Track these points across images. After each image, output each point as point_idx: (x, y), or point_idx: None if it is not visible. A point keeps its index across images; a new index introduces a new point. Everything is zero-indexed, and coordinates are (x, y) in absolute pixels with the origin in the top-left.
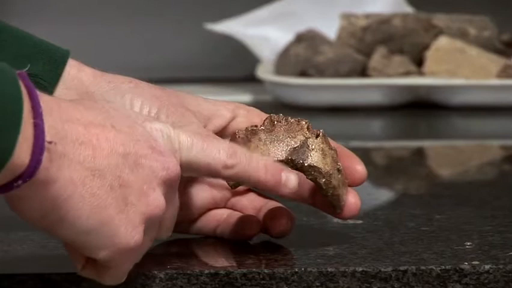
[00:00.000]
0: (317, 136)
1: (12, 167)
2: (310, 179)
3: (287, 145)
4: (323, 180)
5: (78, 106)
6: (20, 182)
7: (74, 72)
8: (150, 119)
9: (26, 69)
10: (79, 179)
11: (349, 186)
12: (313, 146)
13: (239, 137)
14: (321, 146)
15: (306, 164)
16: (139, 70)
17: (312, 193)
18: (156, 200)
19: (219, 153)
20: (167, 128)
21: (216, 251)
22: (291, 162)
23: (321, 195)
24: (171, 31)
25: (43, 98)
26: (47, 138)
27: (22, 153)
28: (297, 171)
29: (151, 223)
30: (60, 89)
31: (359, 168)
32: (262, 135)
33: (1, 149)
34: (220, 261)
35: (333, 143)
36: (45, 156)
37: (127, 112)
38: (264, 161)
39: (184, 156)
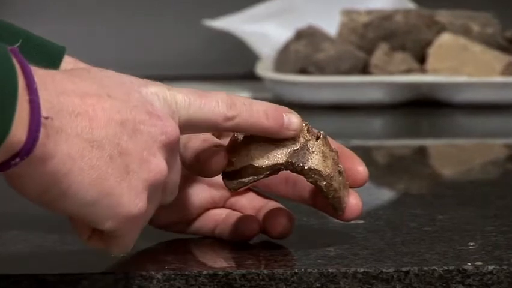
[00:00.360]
0: (317, 138)
1: (9, 145)
2: (310, 182)
3: (287, 148)
4: (324, 183)
5: (72, 77)
6: (17, 159)
7: (70, 68)
8: (145, 82)
9: (18, 44)
10: (77, 152)
11: (350, 187)
12: (313, 149)
13: (238, 139)
14: (322, 148)
15: (306, 167)
16: (137, 67)
17: (313, 195)
18: (158, 166)
19: (218, 106)
20: (163, 90)
21: (215, 252)
22: (291, 165)
23: (322, 198)
24: (169, 28)
25: (37, 73)
26: (43, 113)
27: (19, 130)
28: (297, 174)
29: (154, 189)
30: None
31: (360, 169)
32: (262, 138)
33: None
34: (218, 262)
35: (333, 144)
36: (42, 132)
37: (121, 78)
38: (264, 107)
39: (183, 115)
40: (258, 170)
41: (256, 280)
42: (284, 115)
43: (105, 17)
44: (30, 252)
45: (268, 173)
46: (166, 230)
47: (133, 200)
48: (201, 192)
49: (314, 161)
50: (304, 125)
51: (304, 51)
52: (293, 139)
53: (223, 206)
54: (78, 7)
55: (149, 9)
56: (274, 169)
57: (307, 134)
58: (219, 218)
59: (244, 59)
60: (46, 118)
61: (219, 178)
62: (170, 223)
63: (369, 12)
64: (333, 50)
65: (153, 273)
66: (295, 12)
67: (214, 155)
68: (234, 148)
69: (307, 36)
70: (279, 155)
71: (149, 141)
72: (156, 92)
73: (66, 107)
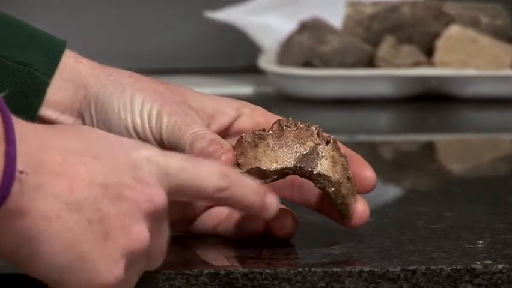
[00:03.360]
0: (327, 143)
1: None
2: (319, 187)
3: (296, 152)
4: (332, 189)
5: (58, 133)
6: None
7: (72, 64)
8: (137, 145)
9: (3, 94)
10: (53, 213)
11: (358, 193)
12: (323, 154)
13: (246, 141)
14: (332, 153)
15: (315, 173)
16: (137, 60)
17: (319, 199)
18: (139, 234)
19: (210, 175)
20: (156, 155)
21: (216, 250)
22: (299, 170)
23: (329, 203)
24: (170, 20)
25: (20, 125)
26: (19, 167)
27: None
28: (305, 179)
29: (134, 257)
30: (56, 81)
31: (368, 174)
32: (271, 141)
33: None
34: (220, 261)
35: (342, 148)
36: (15, 186)
37: (111, 139)
38: (254, 183)
39: (173, 181)
40: (265, 174)
41: (258, 279)
42: (268, 196)
43: (105, 9)
44: None
45: (275, 177)
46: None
47: (108, 267)
48: None
49: (323, 166)
50: (314, 128)
51: (308, 43)
52: (303, 143)
53: None
54: None
55: (150, 1)
56: (282, 173)
57: (317, 138)
58: (221, 215)
59: (246, 52)
60: (21, 172)
61: None
62: (172, 223)
63: (375, 4)
64: (337, 42)
65: (153, 272)
66: (299, 4)
67: None
68: (241, 149)
69: (311, 28)
70: (287, 159)
71: (132, 208)
72: (148, 156)
73: (46, 164)
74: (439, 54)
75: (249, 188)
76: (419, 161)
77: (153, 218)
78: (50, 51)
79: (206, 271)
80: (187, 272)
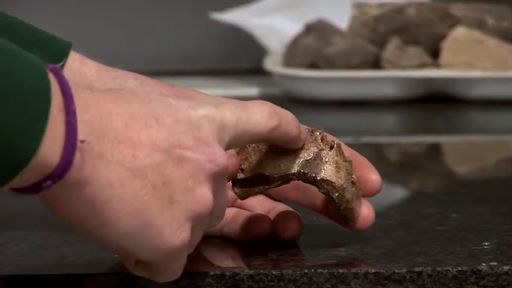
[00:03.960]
0: (331, 148)
1: (39, 166)
2: (323, 193)
3: (300, 157)
4: (336, 194)
5: (118, 99)
6: (49, 182)
7: (77, 66)
8: (193, 104)
9: (61, 64)
10: (117, 180)
11: (363, 196)
12: (326, 159)
13: (249, 146)
14: (335, 158)
15: (318, 178)
16: (143, 61)
17: (324, 203)
18: (203, 196)
19: (262, 118)
20: (212, 112)
21: (222, 251)
22: (303, 176)
23: (334, 207)
24: (175, 21)
25: (80, 95)
26: (81, 137)
27: (51, 152)
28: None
29: (198, 219)
30: None
31: (373, 177)
32: (274, 145)
33: (24, 145)
34: (226, 262)
35: (346, 151)
36: (77, 156)
37: (168, 101)
38: (291, 114)
39: (231, 133)
40: (269, 179)
41: (264, 281)
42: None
43: (111, 10)
44: (31, 253)
45: (279, 182)
46: None
47: (175, 231)
48: None
49: (327, 171)
50: (318, 133)
51: (314, 45)
52: (306, 148)
53: (232, 205)
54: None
55: (156, 2)
56: (286, 179)
57: (321, 144)
58: (227, 217)
59: (252, 53)
60: (83, 142)
61: None
62: None
63: (380, 5)
64: (343, 44)
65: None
66: (305, 5)
67: None
68: (245, 155)
69: (317, 29)
70: (291, 165)
71: (195, 169)
72: (206, 114)
73: (108, 133)
74: (445, 56)
75: (291, 119)
76: (424, 162)
77: (216, 178)
78: (55, 53)
79: (212, 272)
80: (193, 273)
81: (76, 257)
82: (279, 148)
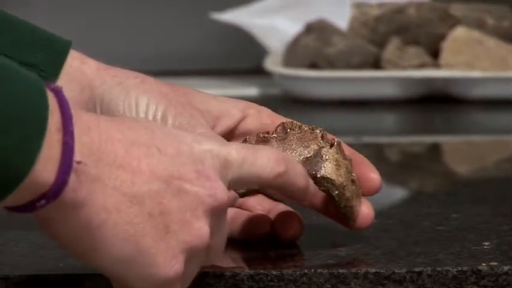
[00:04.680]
0: (331, 145)
1: (33, 185)
2: (322, 190)
3: (300, 155)
4: (336, 192)
5: (120, 125)
6: (43, 201)
7: (77, 65)
8: (198, 138)
9: (60, 86)
10: (113, 205)
11: (363, 195)
12: (327, 156)
13: (250, 143)
14: (335, 156)
15: (318, 176)
16: (142, 61)
17: (325, 202)
18: (200, 230)
19: (269, 162)
20: (217, 148)
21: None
22: None
23: (334, 206)
24: (176, 21)
25: (82, 117)
26: (77, 158)
27: (46, 171)
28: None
29: (194, 252)
30: (62, 81)
31: (373, 176)
32: (274, 143)
33: (18, 163)
34: (225, 262)
35: (347, 150)
36: (72, 177)
37: (172, 131)
38: (300, 165)
39: (235, 173)
40: None
41: (264, 281)
42: (308, 177)
43: (111, 10)
44: (32, 253)
45: None
46: None
47: (168, 261)
48: None
49: (327, 169)
50: (318, 131)
51: (314, 45)
52: (306, 146)
53: (232, 205)
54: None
55: (156, 2)
56: None
57: (321, 141)
58: (227, 216)
59: (252, 53)
60: (79, 163)
61: None
62: None
63: (381, 5)
64: (343, 44)
65: None
66: (305, 5)
67: None
68: None
69: (317, 29)
70: None
71: (194, 203)
72: (210, 149)
73: (107, 156)
74: (445, 56)
75: (300, 171)
76: (424, 162)
77: (214, 213)
78: (55, 51)
79: (212, 272)
80: None
81: (76, 258)
82: (279, 146)
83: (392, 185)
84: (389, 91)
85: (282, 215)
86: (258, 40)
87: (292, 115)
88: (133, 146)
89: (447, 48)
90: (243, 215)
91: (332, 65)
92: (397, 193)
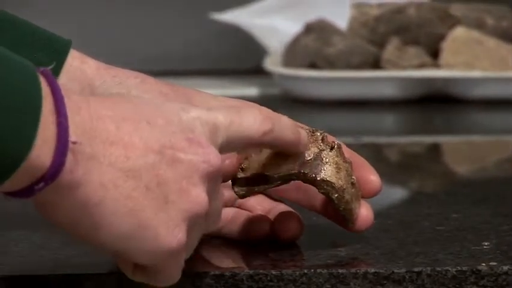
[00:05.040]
0: (332, 148)
1: (31, 169)
2: (322, 193)
3: (300, 157)
4: (336, 195)
5: (109, 103)
6: (41, 184)
7: (77, 64)
8: (185, 107)
9: (51, 66)
10: (110, 181)
11: (362, 197)
12: (327, 159)
13: None
14: (336, 159)
15: (318, 179)
16: (142, 61)
17: (324, 203)
18: (198, 197)
19: (255, 122)
20: (204, 114)
21: (221, 251)
22: (303, 176)
23: (333, 208)
24: (176, 21)
25: (71, 97)
26: (72, 138)
27: (43, 154)
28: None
29: (194, 220)
30: (62, 81)
31: (372, 178)
32: None
33: (15, 148)
34: (225, 262)
35: (347, 152)
36: (69, 157)
37: (158, 103)
38: (288, 118)
39: (224, 137)
40: (269, 179)
41: (264, 281)
42: (298, 128)
43: (111, 10)
44: (32, 253)
45: (279, 182)
46: None
47: (171, 232)
48: None
49: (327, 172)
50: (319, 134)
51: (314, 45)
52: (307, 149)
53: (232, 206)
54: None
55: (156, 2)
56: (286, 179)
57: (321, 144)
58: (227, 216)
59: (252, 54)
60: (74, 143)
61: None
62: None
63: (380, 5)
64: (343, 44)
65: None
66: (305, 5)
67: None
68: (245, 154)
69: (317, 30)
70: (291, 165)
71: (189, 170)
72: (198, 116)
73: (100, 134)
74: (445, 56)
75: (287, 125)
76: (424, 162)
77: (210, 179)
78: (56, 51)
79: (211, 272)
80: (193, 273)
81: (76, 257)
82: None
83: (392, 185)
84: (388, 91)
85: (282, 215)
86: (258, 40)
87: (292, 115)
88: (123, 121)
89: (447, 48)
90: (243, 215)
91: (331, 65)
92: (397, 193)
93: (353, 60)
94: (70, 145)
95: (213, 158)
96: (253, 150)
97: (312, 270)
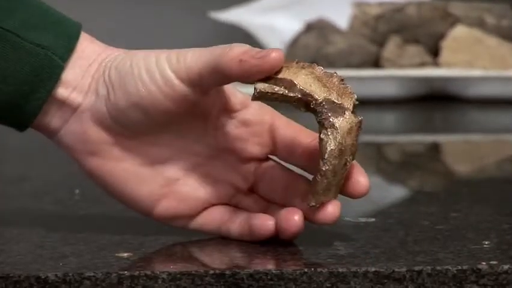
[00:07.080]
0: (355, 116)
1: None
2: (320, 138)
3: (330, 94)
4: (331, 147)
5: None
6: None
7: (86, 44)
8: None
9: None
10: None
11: (349, 197)
12: (347, 118)
13: (297, 62)
14: (352, 124)
15: (330, 121)
16: None
17: (310, 163)
18: None
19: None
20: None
21: (221, 250)
22: (320, 108)
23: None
24: (175, 19)
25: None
26: None
27: None
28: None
29: None
30: (71, 59)
31: (361, 180)
32: (317, 72)
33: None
34: (225, 261)
35: None
36: None
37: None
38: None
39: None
40: (292, 88)
41: (264, 280)
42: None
43: (110, 10)
44: (31, 252)
45: (299, 96)
46: (168, 224)
47: None
48: (204, 186)
49: (341, 124)
50: (355, 99)
51: (314, 44)
52: (340, 95)
53: (228, 204)
54: None
55: (156, 2)
56: (306, 99)
57: (351, 104)
58: (224, 215)
59: None
60: None
61: (223, 174)
62: (172, 216)
63: (380, 5)
64: (343, 43)
65: (158, 272)
66: (305, 4)
67: None
68: (287, 63)
69: (317, 29)
70: (320, 92)
71: None
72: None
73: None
74: (445, 55)
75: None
76: (424, 161)
77: None
78: (67, 35)
79: (211, 271)
80: (193, 272)
81: (75, 257)
82: (320, 76)
83: (392, 184)
84: (388, 90)
85: (282, 214)
86: (258, 39)
87: (292, 114)
88: None
89: (447, 47)
90: (243, 215)
91: (332, 64)
92: (397, 192)
93: (353, 59)
94: None
95: None
96: (298, 65)
97: (313, 269)
